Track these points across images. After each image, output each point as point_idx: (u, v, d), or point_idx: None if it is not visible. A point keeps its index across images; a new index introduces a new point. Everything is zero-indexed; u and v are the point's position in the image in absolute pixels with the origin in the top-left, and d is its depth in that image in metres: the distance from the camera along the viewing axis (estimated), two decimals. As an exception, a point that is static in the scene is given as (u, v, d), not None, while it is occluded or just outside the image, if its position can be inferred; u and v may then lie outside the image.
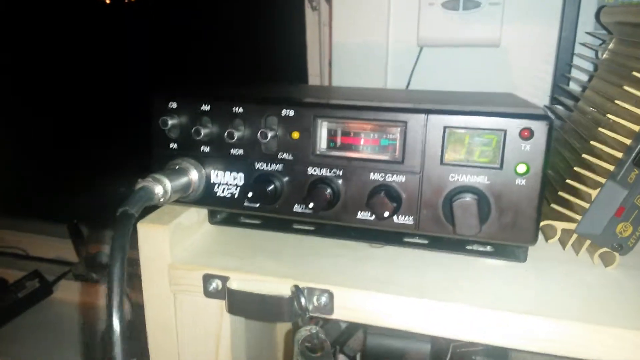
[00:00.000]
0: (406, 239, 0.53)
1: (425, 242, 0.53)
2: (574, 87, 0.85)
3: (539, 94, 0.92)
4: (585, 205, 0.49)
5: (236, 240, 0.56)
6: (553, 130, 0.42)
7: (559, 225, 0.52)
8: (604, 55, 0.69)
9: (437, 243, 0.52)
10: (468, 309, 0.43)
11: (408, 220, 0.46)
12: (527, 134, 0.42)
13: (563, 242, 0.53)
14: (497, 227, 0.44)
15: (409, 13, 0.94)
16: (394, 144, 0.46)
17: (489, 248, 0.52)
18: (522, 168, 0.43)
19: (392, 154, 0.46)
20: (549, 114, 0.43)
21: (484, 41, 0.91)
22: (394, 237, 0.52)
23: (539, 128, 0.42)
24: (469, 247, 0.52)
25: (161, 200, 0.45)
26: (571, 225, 0.50)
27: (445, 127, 0.44)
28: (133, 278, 0.50)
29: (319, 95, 0.59)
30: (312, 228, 0.56)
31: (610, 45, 0.68)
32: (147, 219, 0.54)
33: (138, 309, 0.56)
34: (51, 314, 1.36)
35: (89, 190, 1.42)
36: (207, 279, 0.51)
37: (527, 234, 0.44)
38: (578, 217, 0.49)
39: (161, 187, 0.45)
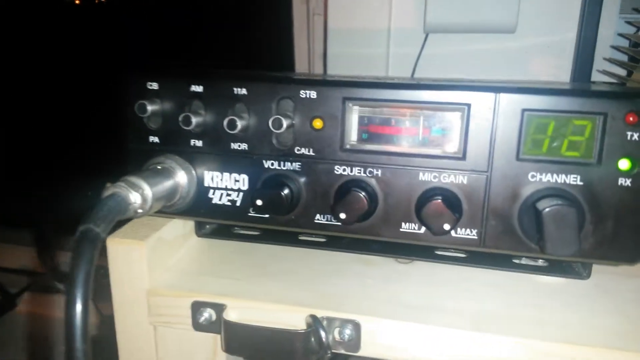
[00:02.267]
0: (440, 252, 0.44)
1: (463, 255, 0.44)
2: (601, 77, 0.76)
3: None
4: None
5: (231, 256, 0.47)
6: (666, 113, 0.32)
7: None
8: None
9: (478, 256, 0.43)
10: (526, 343, 0.34)
11: (470, 233, 0.35)
12: (634, 119, 0.32)
13: None
14: (592, 243, 0.33)
15: (414, -5, 0.85)
16: (450, 134, 0.35)
17: (541, 262, 0.43)
18: (625, 164, 0.32)
19: (448, 147, 0.35)
20: (657, 92, 0.32)
21: (497, 27, 0.83)
22: (425, 249, 0.43)
23: (650, 110, 0.31)
24: (516, 261, 0.43)
25: (139, 211, 0.33)
26: None
27: (523, 111, 0.33)
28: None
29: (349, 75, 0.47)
30: (323, 240, 0.46)
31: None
32: (119, 233, 0.43)
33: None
34: (15, 328, 1.28)
35: (56, 193, 1.30)
36: (197, 307, 0.41)
37: (629, 250, 0.33)
38: None
39: (138, 194, 0.32)
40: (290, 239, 0.47)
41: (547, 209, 0.30)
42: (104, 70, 1.18)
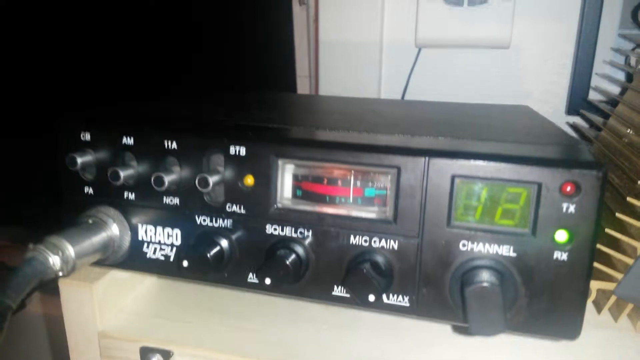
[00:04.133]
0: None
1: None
2: (597, 96, 0.73)
3: (554, 104, 0.80)
4: (629, 260, 0.39)
5: (190, 297, 0.46)
6: (607, 183, 0.29)
7: (594, 284, 0.42)
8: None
9: None
10: None
11: (403, 300, 0.33)
12: (570, 190, 0.29)
13: (598, 305, 0.44)
14: (526, 317, 0.31)
15: (406, 9, 0.83)
16: (382, 196, 0.33)
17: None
18: (562, 236, 0.30)
19: (380, 209, 0.33)
20: (600, 160, 0.30)
21: (491, 42, 0.80)
22: None
23: (588, 181, 0.29)
24: None
25: (61, 273, 0.33)
26: (609, 286, 0.41)
27: (454, 177, 0.31)
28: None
29: (288, 118, 0.45)
30: None
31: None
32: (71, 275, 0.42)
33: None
34: (24, 329, 1.27)
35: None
36: (146, 353, 0.41)
37: (567, 327, 0.31)
38: (618, 276, 0.40)
39: (57, 257, 0.32)
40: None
41: (470, 288, 0.29)
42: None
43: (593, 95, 0.74)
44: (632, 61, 0.64)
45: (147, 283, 0.48)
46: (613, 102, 0.62)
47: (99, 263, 0.38)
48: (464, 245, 0.32)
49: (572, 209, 0.30)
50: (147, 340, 0.41)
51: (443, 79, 0.86)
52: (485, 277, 0.29)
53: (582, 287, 0.30)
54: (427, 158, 0.31)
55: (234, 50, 1.10)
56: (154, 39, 1.09)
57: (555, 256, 0.30)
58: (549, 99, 0.81)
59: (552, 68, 0.80)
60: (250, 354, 0.38)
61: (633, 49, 0.69)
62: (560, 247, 0.30)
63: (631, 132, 0.53)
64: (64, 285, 0.43)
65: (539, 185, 0.30)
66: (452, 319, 0.33)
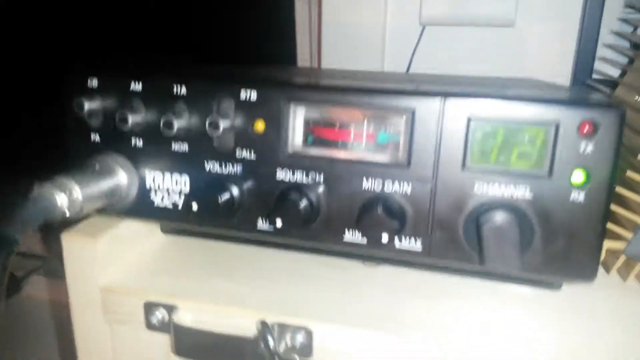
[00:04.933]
0: None
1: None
2: (604, 68, 0.72)
3: (559, 81, 0.80)
4: (638, 220, 0.39)
5: (194, 255, 0.46)
6: (625, 124, 0.29)
7: (604, 244, 0.40)
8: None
9: None
10: (491, 356, 0.32)
11: (415, 245, 0.33)
12: (589, 130, 0.29)
13: (607, 265, 0.44)
14: (542, 258, 0.31)
15: (410, -14, 0.82)
16: (396, 141, 0.32)
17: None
18: (579, 177, 0.30)
19: (393, 154, 0.33)
20: (619, 102, 0.30)
21: (496, 20, 0.79)
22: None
23: (607, 121, 0.29)
24: None
25: (68, 213, 0.32)
26: (619, 245, 0.41)
27: (469, 118, 0.30)
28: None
29: (296, 75, 0.45)
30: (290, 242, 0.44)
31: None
32: (75, 228, 0.43)
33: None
34: (20, 312, 1.25)
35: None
36: (150, 307, 0.40)
37: (583, 269, 0.31)
38: (628, 235, 0.40)
39: (65, 195, 0.31)
40: (255, 239, 0.45)
41: (487, 225, 0.28)
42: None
43: (596, 74, 0.74)
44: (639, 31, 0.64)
45: (151, 240, 0.48)
46: (613, 84, 0.62)
47: (105, 211, 0.37)
48: (478, 188, 0.31)
49: (589, 149, 0.29)
50: (151, 295, 0.40)
51: (447, 58, 0.85)
52: (502, 215, 0.29)
53: (599, 228, 0.30)
54: (443, 98, 0.31)
55: (234, 31, 1.09)
56: (153, 14, 1.08)
57: (572, 197, 0.30)
58: (553, 77, 0.81)
59: (557, 47, 0.80)
60: (255, 307, 0.38)
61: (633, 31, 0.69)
62: (577, 188, 0.30)
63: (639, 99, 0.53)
64: (67, 240, 0.42)
65: (557, 125, 0.29)
66: (465, 262, 0.32)
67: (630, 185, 0.41)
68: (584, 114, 0.29)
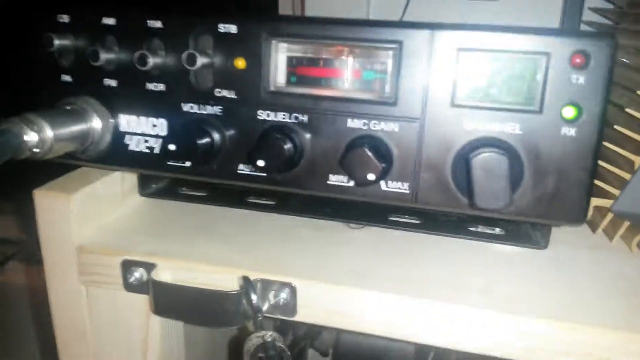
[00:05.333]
0: (393, 218, 0.41)
1: (418, 221, 0.41)
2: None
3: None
4: (626, 176, 0.38)
5: (174, 217, 0.45)
6: (616, 55, 0.28)
7: (590, 201, 0.40)
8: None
9: (432, 223, 0.40)
10: (469, 312, 0.32)
11: (402, 187, 0.32)
12: (580, 61, 0.28)
13: (594, 224, 0.43)
14: (531, 199, 0.30)
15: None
16: (382, 78, 0.31)
17: (497, 230, 0.40)
18: (570, 112, 0.29)
19: (380, 91, 0.31)
20: (610, 32, 0.29)
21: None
22: (378, 214, 0.41)
23: (599, 51, 0.28)
24: (472, 229, 0.40)
25: (36, 151, 0.30)
26: (606, 202, 0.40)
27: (459, 50, 0.29)
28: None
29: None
30: (272, 202, 0.44)
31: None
32: (48, 185, 0.41)
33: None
34: (6, 301, 1.22)
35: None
36: (128, 266, 0.39)
37: (573, 210, 0.30)
38: (615, 192, 0.39)
39: (34, 132, 0.29)
40: (237, 201, 0.44)
41: (475, 157, 0.27)
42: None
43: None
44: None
45: (129, 201, 0.46)
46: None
47: (78, 157, 0.35)
48: (468, 125, 0.30)
49: (581, 80, 0.28)
50: (128, 253, 0.39)
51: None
52: (492, 151, 0.28)
53: (590, 165, 0.30)
54: (431, 31, 0.30)
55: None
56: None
57: (562, 132, 0.29)
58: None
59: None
60: (237, 265, 0.37)
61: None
62: (568, 123, 0.29)
63: (626, 60, 0.52)
64: (39, 197, 0.40)
65: (548, 56, 0.29)
66: (453, 206, 0.32)
67: (617, 139, 0.40)
68: (576, 45, 0.28)
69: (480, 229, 0.40)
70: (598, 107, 0.29)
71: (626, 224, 0.40)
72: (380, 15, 0.84)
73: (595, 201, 0.41)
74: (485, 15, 0.80)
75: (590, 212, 0.41)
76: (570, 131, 0.29)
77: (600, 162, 0.39)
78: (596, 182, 0.39)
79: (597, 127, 0.29)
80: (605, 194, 0.40)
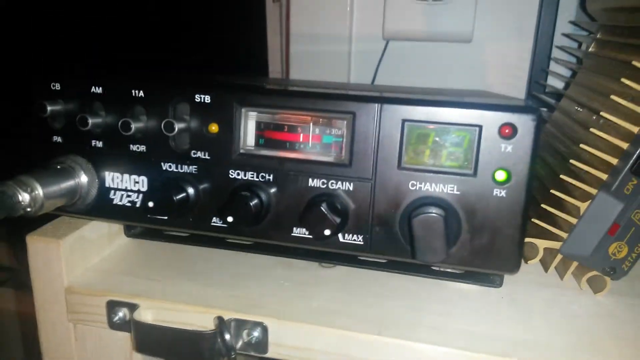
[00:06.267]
0: (362, 257, 0.44)
1: (384, 261, 0.44)
2: (554, 82, 0.77)
3: (514, 94, 0.84)
4: (573, 220, 0.42)
5: (157, 258, 0.48)
6: (542, 126, 0.32)
7: (541, 243, 0.44)
8: (591, 48, 0.60)
9: (398, 263, 0.43)
10: (424, 348, 0.35)
11: (357, 239, 0.36)
12: (508, 132, 0.32)
13: (545, 264, 0.46)
14: (469, 251, 0.34)
15: (375, 2, 0.85)
16: (339, 142, 0.35)
17: (458, 270, 0.43)
18: (501, 175, 0.33)
19: (336, 154, 0.35)
20: (535, 106, 0.33)
21: (455, 36, 0.83)
22: (348, 255, 0.43)
23: (524, 124, 0.32)
24: (434, 268, 0.43)
25: (29, 210, 0.34)
26: (555, 244, 0.43)
27: (404, 121, 0.34)
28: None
29: (249, 82, 0.48)
30: (250, 242, 0.47)
31: (598, 35, 0.59)
32: (39, 231, 0.44)
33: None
34: None
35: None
36: (112, 306, 0.42)
37: (507, 261, 0.34)
38: (564, 235, 0.42)
39: (26, 193, 0.33)
40: (217, 242, 0.47)
41: (415, 217, 0.31)
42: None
43: (549, 87, 0.78)
44: (583, 47, 0.69)
45: (115, 243, 0.49)
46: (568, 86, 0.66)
47: (67, 210, 0.39)
48: (413, 185, 0.34)
49: (509, 149, 0.32)
50: (113, 294, 0.42)
51: (410, 71, 0.89)
52: (431, 210, 0.32)
53: (520, 222, 0.33)
54: (379, 104, 0.34)
55: (207, 45, 1.11)
56: (126, 28, 1.09)
57: (494, 193, 0.33)
58: (509, 91, 0.85)
59: (513, 61, 0.84)
60: (213, 305, 0.40)
61: (587, 35, 0.73)
62: (499, 185, 0.33)
63: (579, 109, 0.57)
64: (32, 242, 0.43)
65: (480, 128, 0.33)
66: (402, 256, 0.35)
67: (566, 188, 0.44)
68: (503, 118, 0.32)
69: (442, 268, 0.43)
70: (525, 171, 0.33)
71: (575, 263, 0.43)
72: (361, 62, 0.89)
73: (545, 243, 0.44)
74: (459, 57, 0.85)
75: (541, 253, 0.44)
76: (501, 192, 0.33)
77: (549, 208, 0.43)
78: (546, 225, 0.43)
79: (525, 189, 0.33)
80: (555, 237, 0.44)
